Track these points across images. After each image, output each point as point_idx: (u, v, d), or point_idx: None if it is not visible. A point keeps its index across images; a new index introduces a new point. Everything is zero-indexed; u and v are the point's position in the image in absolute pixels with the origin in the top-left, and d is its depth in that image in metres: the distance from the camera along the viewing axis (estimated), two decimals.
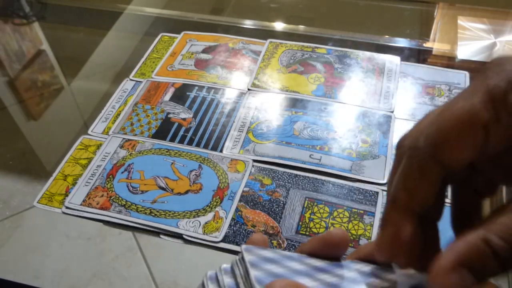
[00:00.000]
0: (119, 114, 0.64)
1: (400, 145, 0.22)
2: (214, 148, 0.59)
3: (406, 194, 0.21)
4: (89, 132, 0.62)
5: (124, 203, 0.53)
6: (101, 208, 0.53)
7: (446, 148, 0.20)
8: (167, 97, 0.67)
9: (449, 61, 0.72)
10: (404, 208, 0.21)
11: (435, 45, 0.75)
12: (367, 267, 0.24)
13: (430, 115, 0.21)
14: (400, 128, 0.60)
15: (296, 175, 0.55)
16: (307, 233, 0.50)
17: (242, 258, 0.22)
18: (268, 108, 0.64)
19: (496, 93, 0.19)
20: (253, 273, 0.21)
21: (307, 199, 0.53)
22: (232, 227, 0.50)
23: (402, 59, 0.70)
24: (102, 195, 0.54)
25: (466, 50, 0.73)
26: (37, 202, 0.54)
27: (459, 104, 0.20)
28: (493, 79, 0.19)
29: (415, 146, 0.20)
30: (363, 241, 0.49)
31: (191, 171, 0.56)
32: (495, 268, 0.18)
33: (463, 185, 0.23)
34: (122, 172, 0.56)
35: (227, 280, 0.22)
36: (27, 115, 0.70)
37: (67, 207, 0.53)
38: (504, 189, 0.40)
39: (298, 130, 0.61)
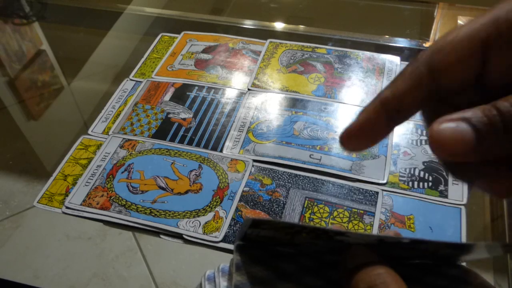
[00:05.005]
0: (119, 114, 0.64)
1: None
2: (214, 148, 0.59)
3: (389, 91, 0.21)
4: (89, 132, 0.62)
5: (124, 203, 0.53)
6: (101, 208, 0.53)
7: (441, 59, 0.20)
8: (167, 97, 0.67)
9: None
10: (382, 101, 0.22)
11: None
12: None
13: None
14: (400, 128, 0.60)
15: (296, 175, 0.55)
16: None
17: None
18: (268, 108, 0.64)
19: (500, 14, 0.19)
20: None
21: (307, 199, 0.53)
22: (232, 227, 0.50)
23: (402, 59, 0.70)
24: (102, 195, 0.54)
25: None
26: (37, 202, 0.54)
27: (466, 24, 0.20)
28: (499, 7, 0.19)
29: (416, 58, 0.21)
30: None
31: (191, 171, 0.56)
32: (501, 138, 0.17)
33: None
34: (122, 172, 0.56)
35: (223, 284, 0.22)
36: (27, 115, 0.70)
37: (67, 207, 0.53)
38: None
39: (298, 130, 0.61)
